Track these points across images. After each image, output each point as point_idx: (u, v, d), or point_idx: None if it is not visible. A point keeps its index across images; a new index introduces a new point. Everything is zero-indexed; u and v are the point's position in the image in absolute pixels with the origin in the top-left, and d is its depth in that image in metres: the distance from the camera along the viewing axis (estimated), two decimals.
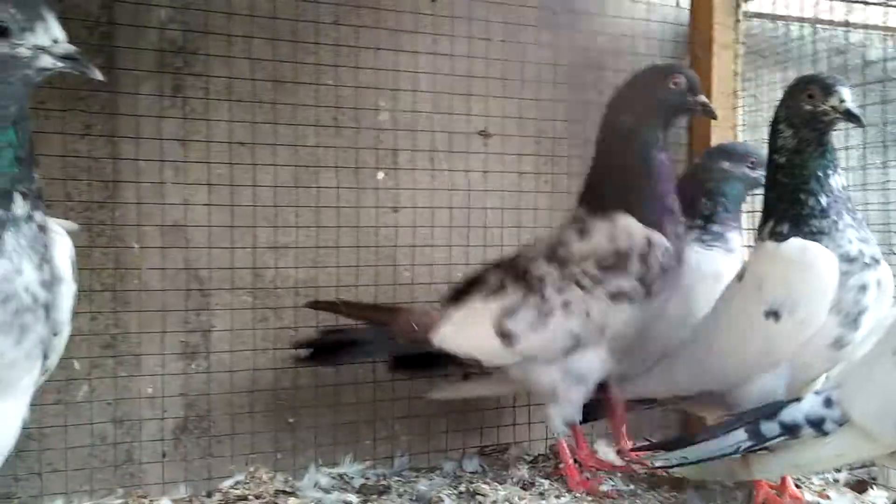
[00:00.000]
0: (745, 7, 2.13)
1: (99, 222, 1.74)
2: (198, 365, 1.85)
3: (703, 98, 1.64)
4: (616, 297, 1.55)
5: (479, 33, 2.09)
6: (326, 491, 1.76)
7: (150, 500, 1.72)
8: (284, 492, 1.73)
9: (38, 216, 1.05)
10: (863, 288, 1.42)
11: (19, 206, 1.02)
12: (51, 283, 1.06)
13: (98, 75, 1.06)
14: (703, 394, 1.65)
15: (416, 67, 2.04)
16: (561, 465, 1.73)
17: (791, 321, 1.43)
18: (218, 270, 1.85)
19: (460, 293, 1.75)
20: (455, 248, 2.08)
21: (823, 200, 1.47)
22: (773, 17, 2.22)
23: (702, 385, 1.63)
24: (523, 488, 1.70)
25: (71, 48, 1.04)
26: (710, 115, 1.69)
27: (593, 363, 1.60)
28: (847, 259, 1.42)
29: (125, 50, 1.75)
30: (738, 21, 2.11)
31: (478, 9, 2.09)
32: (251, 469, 1.81)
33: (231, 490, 1.73)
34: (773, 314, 1.45)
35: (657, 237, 1.55)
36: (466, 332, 1.65)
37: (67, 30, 1.05)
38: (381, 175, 2.01)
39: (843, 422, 1.29)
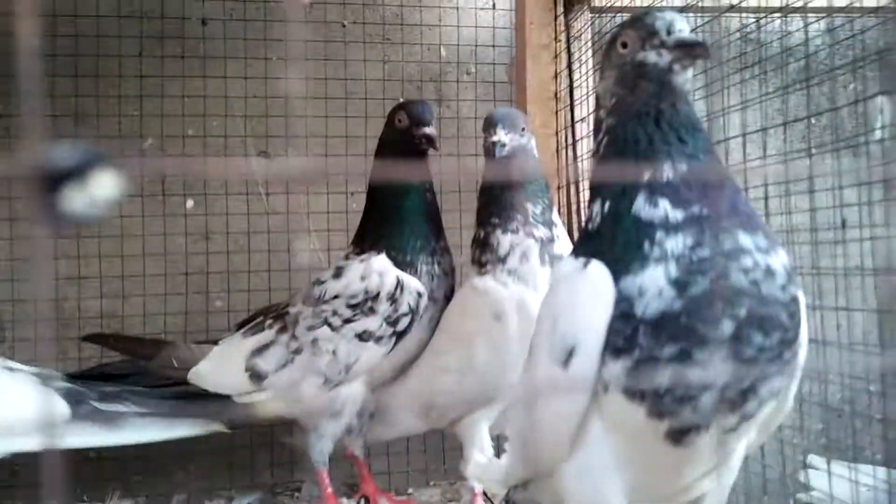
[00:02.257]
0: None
1: None
2: None
3: (425, 130, 1.60)
4: (363, 336, 1.56)
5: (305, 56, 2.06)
6: None
7: None
8: None
9: None
10: None
11: None
12: None
13: None
14: None
15: (227, 93, 2.03)
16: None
17: None
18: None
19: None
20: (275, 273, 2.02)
21: None
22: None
23: None
24: None
25: None
26: (432, 145, 1.61)
27: (348, 399, 1.59)
28: None
29: None
30: (557, 17, 1.97)
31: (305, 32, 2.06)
32: None
33: None
34: None
35: (408, 279, 1.57)
36: (220, 368, 1.64)
37: None
38: (190, 203, 2.00)
39: None
